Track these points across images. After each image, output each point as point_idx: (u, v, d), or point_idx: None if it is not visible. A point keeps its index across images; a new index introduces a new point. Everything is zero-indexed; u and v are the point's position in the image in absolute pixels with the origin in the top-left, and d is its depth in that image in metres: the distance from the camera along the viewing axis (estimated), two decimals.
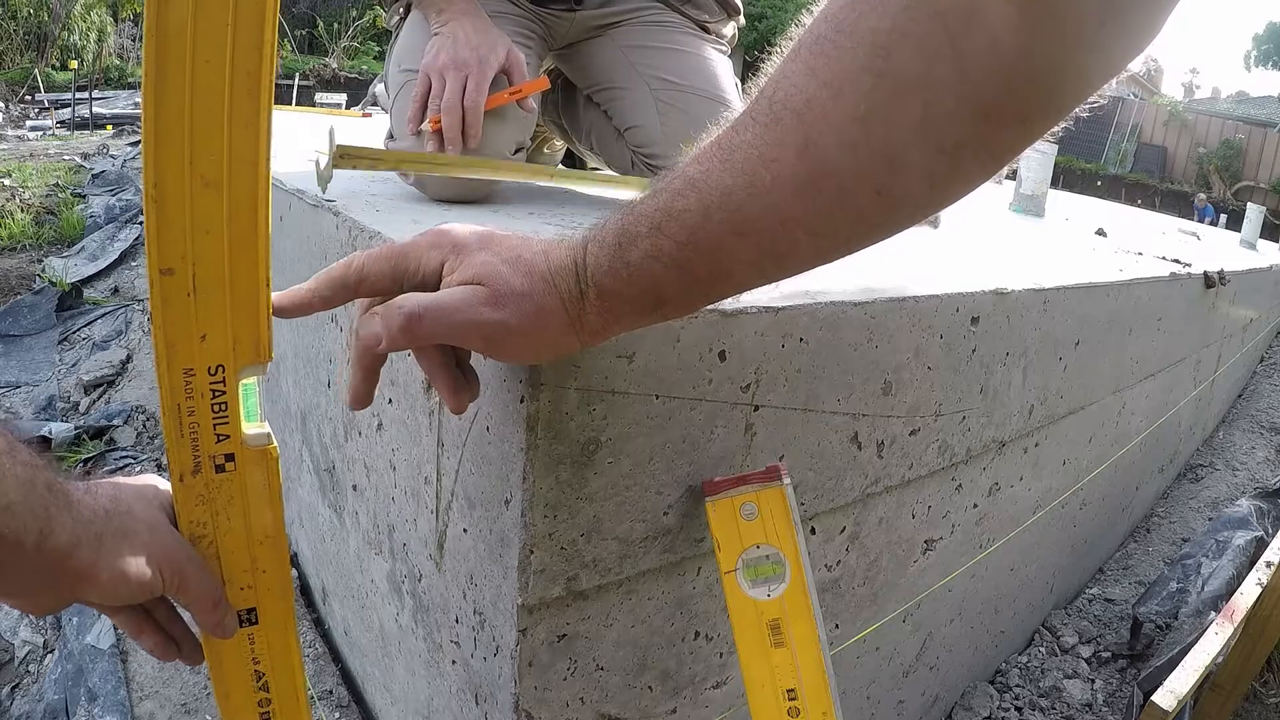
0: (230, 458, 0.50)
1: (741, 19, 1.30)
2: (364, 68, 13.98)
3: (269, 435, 0.51)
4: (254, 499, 0.52)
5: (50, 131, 8.56)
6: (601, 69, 1.20)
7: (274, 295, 0.49)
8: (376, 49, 15.55)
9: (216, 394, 0.48)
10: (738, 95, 1.21)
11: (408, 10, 1.16)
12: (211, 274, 0.46)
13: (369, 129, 2.67)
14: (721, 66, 1.21)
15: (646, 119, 1.15)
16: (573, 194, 1.29)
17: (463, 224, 0.51)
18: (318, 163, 0.64)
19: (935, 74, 0.37)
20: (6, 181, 4.65)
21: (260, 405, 0.52)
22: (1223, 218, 9.17)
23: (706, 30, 1.24)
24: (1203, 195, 13.12)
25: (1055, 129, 0.41)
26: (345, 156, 0.78)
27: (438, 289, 0.48)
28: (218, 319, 0.47)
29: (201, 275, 0.46)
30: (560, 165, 1.59)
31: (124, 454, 1.76)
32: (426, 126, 0.95)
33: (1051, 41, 0.36)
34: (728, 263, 0.45)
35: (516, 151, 1.06)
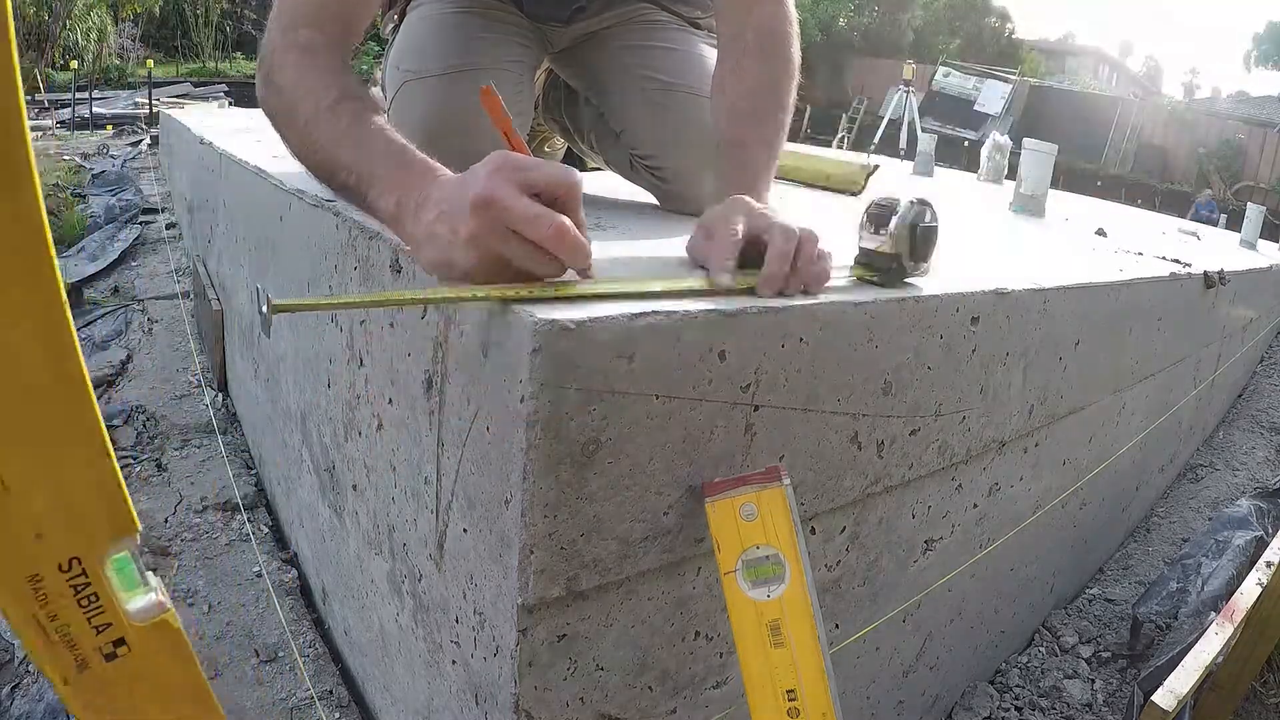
0: (120, 641, 0.43)
1: None
2: (364, 67, 13.96)
3: (160, 603, 0.44)
4: (164, 670, 0.46)
5: (50, 131, 8.56)
6: (596, 72, 1.20)
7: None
8: (376, 49, 15.50)
9: (80, 589, 0.41)
10: None
11: (402, 16, 1.15)
12: (19, 463, 0.37)
13: None
14: (714, 63, 1.20)
15: (638, 120, 1.14)
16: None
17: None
18: (259, 310, 0.57)
19: None
20: None
21: (140, 567, 0.44)
22: (1223, 218, 9.15)
23: (698, 26, 1.22)
24: (1208, 191, 13.05)
25: None
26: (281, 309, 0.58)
27: None
28: (52, 511, 0.38)
29: (8, 467, 0.37)
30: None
31: (124, 454, 1.76)
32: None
33: None
34: None
35: None
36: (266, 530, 1.39)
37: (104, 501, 0.40)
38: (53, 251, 0.35)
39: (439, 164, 0.68)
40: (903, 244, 0.77)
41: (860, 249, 0.79)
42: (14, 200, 0.33)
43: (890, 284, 0.79)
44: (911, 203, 0.75)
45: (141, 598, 0.44)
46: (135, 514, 0.42)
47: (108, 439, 0.40)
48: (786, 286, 0.69)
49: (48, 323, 0.36)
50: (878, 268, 0.78)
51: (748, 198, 0.76)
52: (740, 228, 0.69)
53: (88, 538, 0.40)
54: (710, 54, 1.20)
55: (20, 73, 0.33)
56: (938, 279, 0.86)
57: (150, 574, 0.45)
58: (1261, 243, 3.59)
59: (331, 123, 0.72)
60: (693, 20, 1.21)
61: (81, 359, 0.37)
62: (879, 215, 0.77)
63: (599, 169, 1.43)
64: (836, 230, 1.29)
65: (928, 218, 0.77)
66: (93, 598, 0.41)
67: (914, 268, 0.79)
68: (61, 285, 0.36)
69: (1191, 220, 5.87)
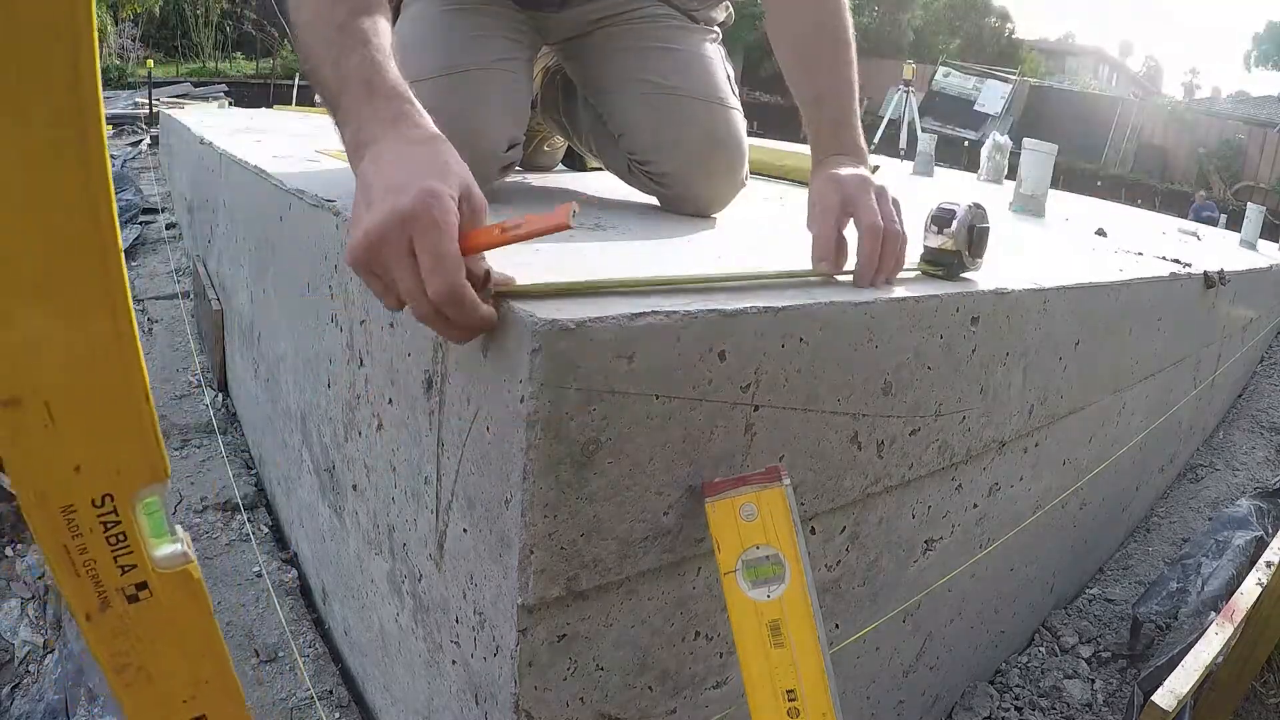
0: (143, 585, 0.45)
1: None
2: None
3: (185, 553, 0.46)
4: (182, 621, 0.47)
5: None
6: (595, 72, 1.19)
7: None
8: None
9: (110, 525, 0.42)
10: (731, 89, 1.19)
11: (396, 12, 1.13)
12: (69, 397, 0.39)
13: None
14: (714, 62, 1.18)
15: (637, 123, 1.13)
16: (573, 194, 1.29)
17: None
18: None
19: None
20: None
21: (168, 516, 0.46)
22: (1223, 218, 9.16)
23: (694, 19, 1.20)
24: (1202, 193, 13.04)
25: None
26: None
27: None
28: (91, 446, 0.40)
29: (56, 401, 0.39)
30: (561, 164, 1.58)
31: None
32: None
33: None
34: None
35: (510, 148, 1.05)
36: (266, 530, 1.39)
37: (140, 444, 0.42)
38: (115, 217, 0.38)
39: (403, 97, 0.64)
40: (962, 242, 0.88)
41: (925, 247, 0.89)
42: (87, 181, 0.36)
43: (951, 277, 0.90)
44: (969, 207, 0.87)
45: (167, 546, 0.45)
46: (168, 461, 0.43)
47: (149, 386, 0.41)
48: (874, 284, 0.80)
49: (106, 274, 0.38)
50: (941, 263, 0.89)
51: (841, 170, 0.85)
52: (834, 219, 0.81)
53: (122, 476, 0.41)
54: (711, 54, 1.19)
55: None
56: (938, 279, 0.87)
57: (179, 527, 0.46)
58: (1261, 243, 3.59)
59: (323, 29, 0.68)
60: (689, 11, 1.20)
61: (132, 312, 0.39)
62: (942, 218, 0.87)
63: (599, 168, 1.42)
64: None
65: (983, 220, 0.89)
66: (120, 537, 0.43)
67: (971, 263, 0.90)
68: (119, 243, 0.39)
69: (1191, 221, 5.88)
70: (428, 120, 0.64)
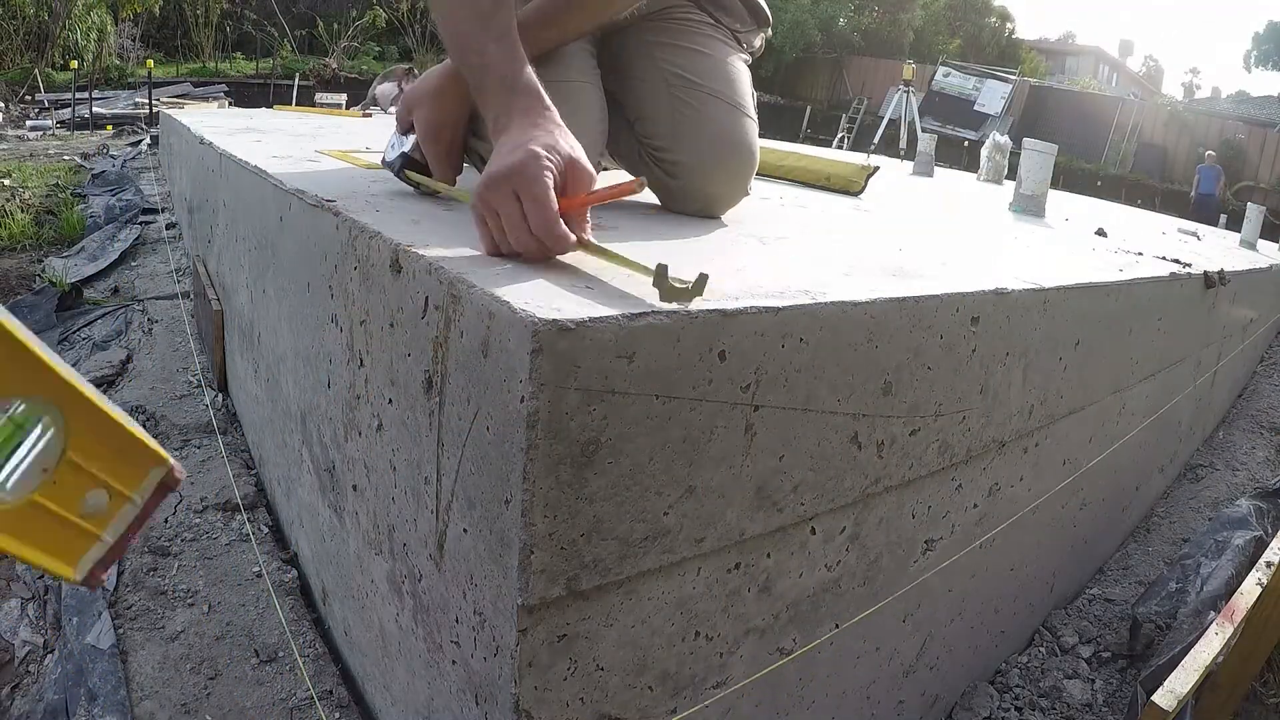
0: None
1: (769, 30, 1.30)
2: (364, 68, 13.99)
3: None
4: None
5: (50, 131, 8.56)
6: (623, 58, 1.20)
7: None
8: (376, 49, 15.56)
9: None
10: (753, 106, 1.20)
11: None
12: None
13: (369, 129, 2.67)
14: (743, 75, 1.21)
15: (658, 111, 1.14)
16: None
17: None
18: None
19: None
20: (7, 181, 4.65)
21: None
22: (1223, 218, 9.17)
23: (738, 39, 1.23)
24: (1211, 153, 12.73)
25: None
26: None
27: None
28: None
29: None
30: None
31: None
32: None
33: None
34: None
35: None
36: (266, 530, 1.39)
37: None
38: None
39: (535, 92, 0.81)
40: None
41: None
42: None
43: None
44: None
45: None
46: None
47: None
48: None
49: None
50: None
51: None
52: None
53: None
54: (740, 68, 1.21)
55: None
56: (938, 279, 0.87)
57: None
58: (1261, 243, 3.59)
59: (476, 20, 0.84)
60: (734, 30, 1.23)
61: None
62: None
63: (607, 168, 1.43)
64: (833, 231, 1.29)
65: None
66: None
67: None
68: None
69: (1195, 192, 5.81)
70: (552, 111, 0.79)
